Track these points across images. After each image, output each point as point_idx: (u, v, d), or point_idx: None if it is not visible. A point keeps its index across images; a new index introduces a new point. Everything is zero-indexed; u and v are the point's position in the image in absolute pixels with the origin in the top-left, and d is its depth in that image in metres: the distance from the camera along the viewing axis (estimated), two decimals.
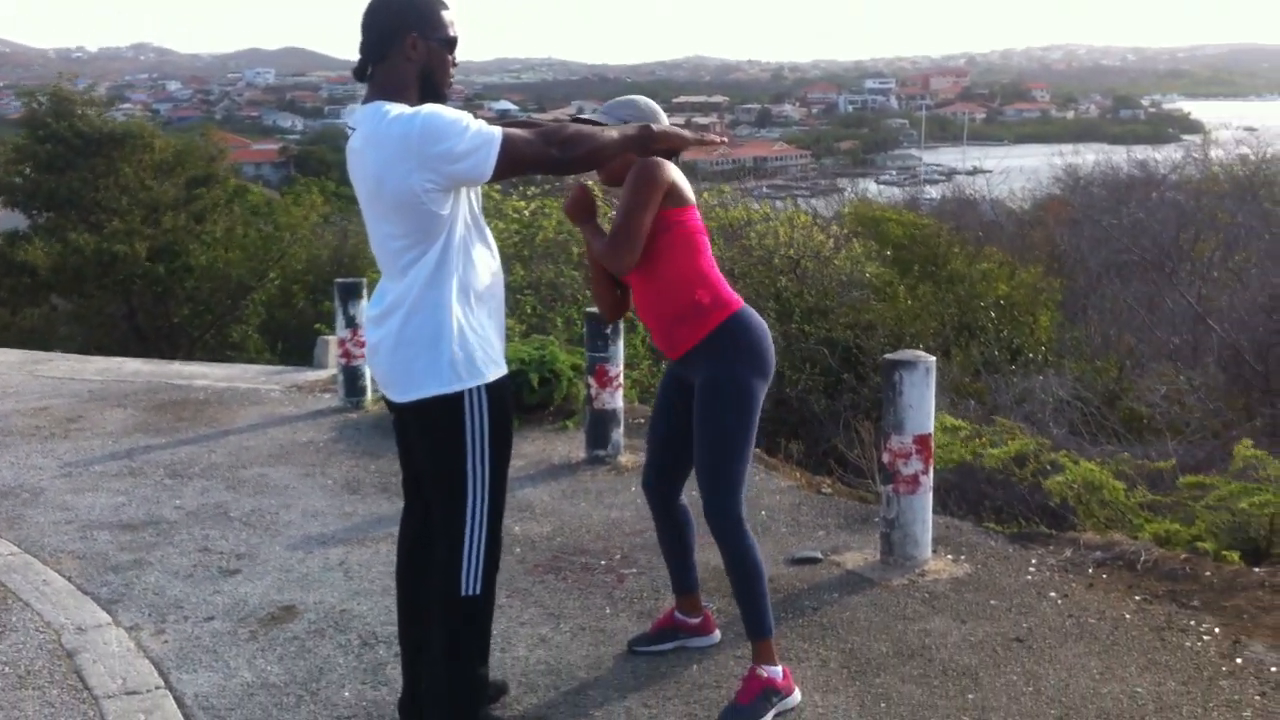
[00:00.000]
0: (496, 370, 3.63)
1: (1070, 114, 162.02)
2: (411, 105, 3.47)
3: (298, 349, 18.53)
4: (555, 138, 3.54)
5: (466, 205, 3.58)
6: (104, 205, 22.03)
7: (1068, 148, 34.15)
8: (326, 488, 6.66)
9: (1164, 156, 30.53)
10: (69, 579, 5.37)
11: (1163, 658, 4.36)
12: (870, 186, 42.04)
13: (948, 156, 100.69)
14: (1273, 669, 4.22)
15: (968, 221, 23.48)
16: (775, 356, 4.17)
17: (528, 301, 11.27)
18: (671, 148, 3.90)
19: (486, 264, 3.66)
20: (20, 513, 6.31)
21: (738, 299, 4.12)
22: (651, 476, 4.38)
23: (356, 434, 7.71)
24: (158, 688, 4.32)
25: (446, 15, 3.57)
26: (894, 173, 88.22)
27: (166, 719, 4.09)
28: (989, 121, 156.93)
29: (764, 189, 54.25)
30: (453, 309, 3.52)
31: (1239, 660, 4.30)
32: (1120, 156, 29.94)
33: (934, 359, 5.22)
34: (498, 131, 3.42)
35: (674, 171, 4.00)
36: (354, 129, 3.55)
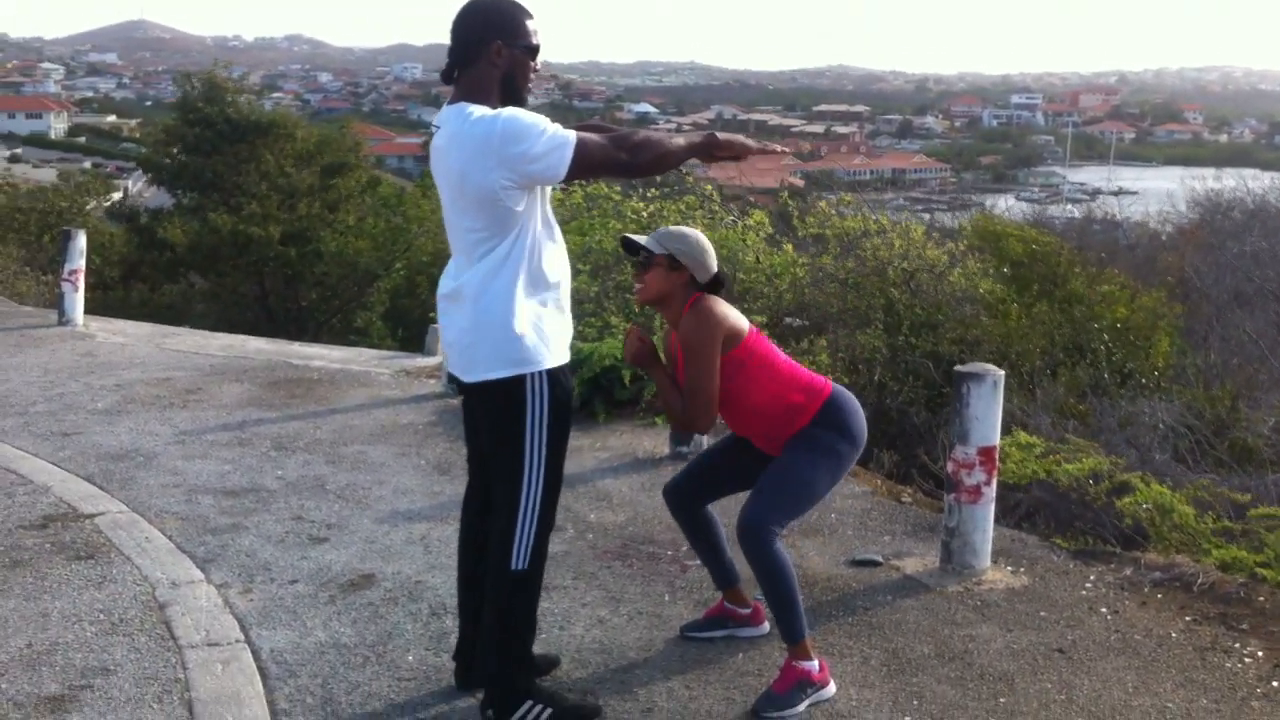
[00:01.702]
0: (558, 358, 3.87)
1: (1223, 137, 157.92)
2: (493, 108, 3.73)
3: (418, 337, 19.03)
4: (625, 143, 3.78)
5: (540, 203, 3.83)
6: (244, 189, 22.87)
7: (1210, 171, 33.43)
8: (419, 467, 6.97)
9: None
10: (170, 538, 5.74)
11: (1200, 676, 4.43)
12: (1009, 202, 41.54)
13: (1093, 175, 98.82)
14: None
15: (1091, 242, 23.16)
16: (867, 430, 4.40)
17: (635, 301, 11.49)
18: (734, 155, 4.09)
19: (555, 259, 3.90)
20: (133, 475, 6.72)
21: (827, 382, 4.36)
22: (683, 488, 4.57)
23: (454, 419, 8.00)
24: (238, 641, 4.63)
25: (530, 24, 3.83)
26: (1035, 190, 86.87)
27: (242, 669, 4.39)
28: (1138, 142, 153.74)
29: (900, 201, 53.93)
30: (520, 298, 3.78)
31: (1275, 683, 4.35)
32: (1259, 183, 29.22)
33: (1002, 373, 5.32)
34: (572, 135, 3.67)
35: (722, 310, 4.20)
36: (439, 128, 3.83)
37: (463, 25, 3.82)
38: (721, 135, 4.07)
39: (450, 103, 3.85)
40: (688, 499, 4.56)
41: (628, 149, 3.80)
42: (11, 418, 7.89)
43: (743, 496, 4.35)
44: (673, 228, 4.29)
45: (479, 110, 3.72)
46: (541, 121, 3.68)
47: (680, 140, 3.95)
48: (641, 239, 4.27)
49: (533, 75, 3.91)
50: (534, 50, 3.87)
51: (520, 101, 3.85)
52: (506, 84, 3.83)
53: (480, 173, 3.66)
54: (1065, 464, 6.47)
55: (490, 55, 3.79)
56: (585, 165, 3.73)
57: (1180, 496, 6.06)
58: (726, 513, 4.63)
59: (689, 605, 5.01)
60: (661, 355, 4.46)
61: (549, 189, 3.92)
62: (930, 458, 9.21)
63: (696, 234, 4.29)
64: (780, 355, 4.35)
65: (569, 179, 3.74)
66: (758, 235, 12.87)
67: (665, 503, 4.64)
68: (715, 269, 4.29)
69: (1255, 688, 4.33)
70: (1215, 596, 5.11)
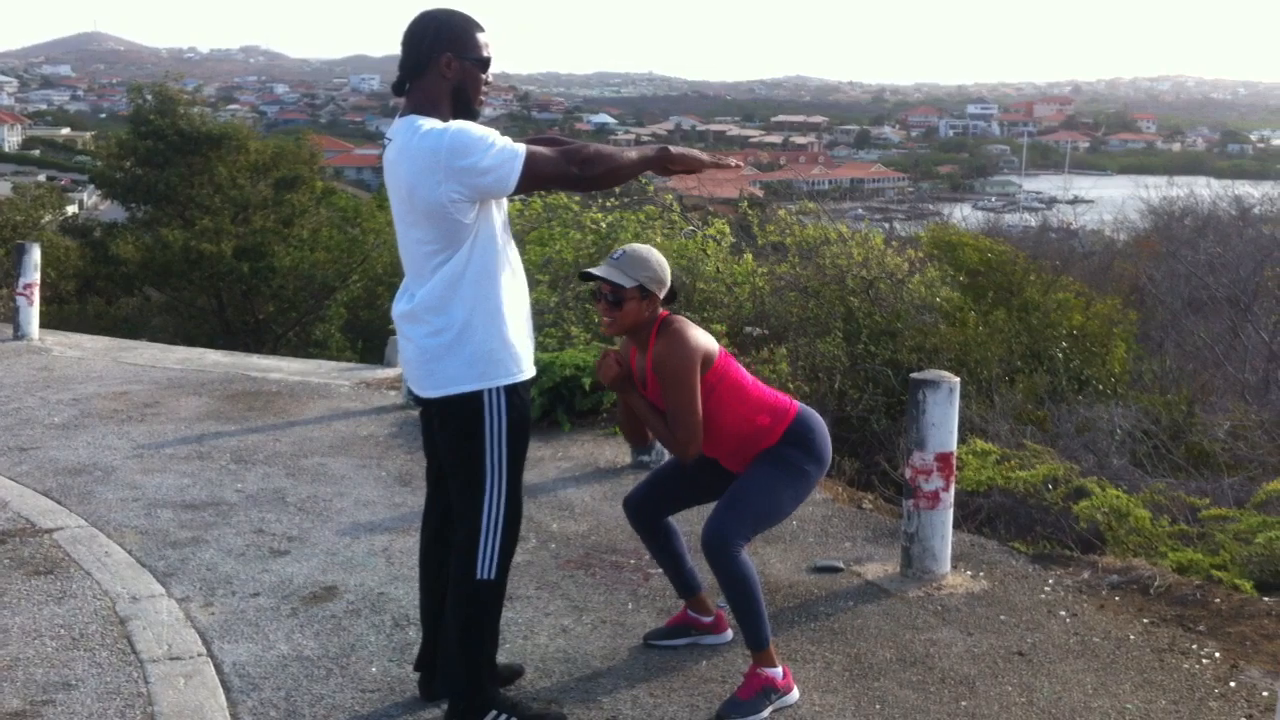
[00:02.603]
0: (516, 371, 3.88)
1: (1176, 146, 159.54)
2: (444, 120, 3.74)
3: (377, 348, 18.98)
4: (576, 157, 3.79)
5: (493, 216, 3.83)
6: (197, 202, 22.70)
7: (1162, 180, 33.76)
8: (380, 479, 6.96)
9: (1261, 193, 30.14)
10: (129, 552, 5.70)
11: (1159, 678, 4.48)
12: (966, 211, 41.81)
13: (1049, 184, 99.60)
14: (1264, 693, 4.33)
15: (1047, 250, 23.37)
16: (832, 448, 4.45)
17: (595, 311, 11.51)
18: (688, 169, 4.11)
19: (510, 271, 3.91)
20: (91, 489, 6.68)
21: (793, 403, 4.39)
22: (643, 501, 4.59)
23: (414, 430, 7.99)
24: (200, 655, 4.61)
25: (481, 37, 3.84)
26: (992, 199, 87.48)
27: (205, 684, 4.37)
28: (1092, 151, 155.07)
29: (859, 210, 54.18)
30: (476, 312, 3.79)
31: (1233, 684, 4.41)
32: (1211, 190, 29.58)
33: (958, 380, 5.38)
34: (521, 149, 3.68)
35: (695, 335, 4.21)
36: (390, 140, 3.83)
37: (413, 37, 3.83)
38: (675, 149, 4.09)
39: (401, 115, 3.86)
40: (648, 511, 4.58)
41: (578, 162, 3.81)
42: None
43: (705, 508, 4.38)
44: (630, 250, 4.22)
45: (429, 123, 3.73)
46: (491, 134, 3.70)
47: (633, 154, 3.97)
48: (605, 271, 4.18)
49: (484, 88, 3.92)
50: (485, 63, 3.88)
51: (471, 114, 3.86)
52: (457, 96, 3.84)
53: (429, 186, 3.67)
54: (1020, 471, 6.53)
55: (440, 67, 3.80)
56: (535, 178, 3.75)
57: (1136, 500, 6.13)
58: (687, 521, 4.65)
59: (652, 614, 5.03)
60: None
61: (504, 201, 3.93)
62: (890, 465, 9.28)
63: (654, 253, 4.27)
64: (747, 376, 4.37)
65: (518, 192, 3.76)
66: (719, 244, 12.91)
67: (625, 514, 4.66)
68: (669, 281, 4.29)
69: (1213, 688, 4.39)
70: (1172, 599, 5.18)
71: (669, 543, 4.61)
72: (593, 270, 4.23)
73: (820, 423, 4.40)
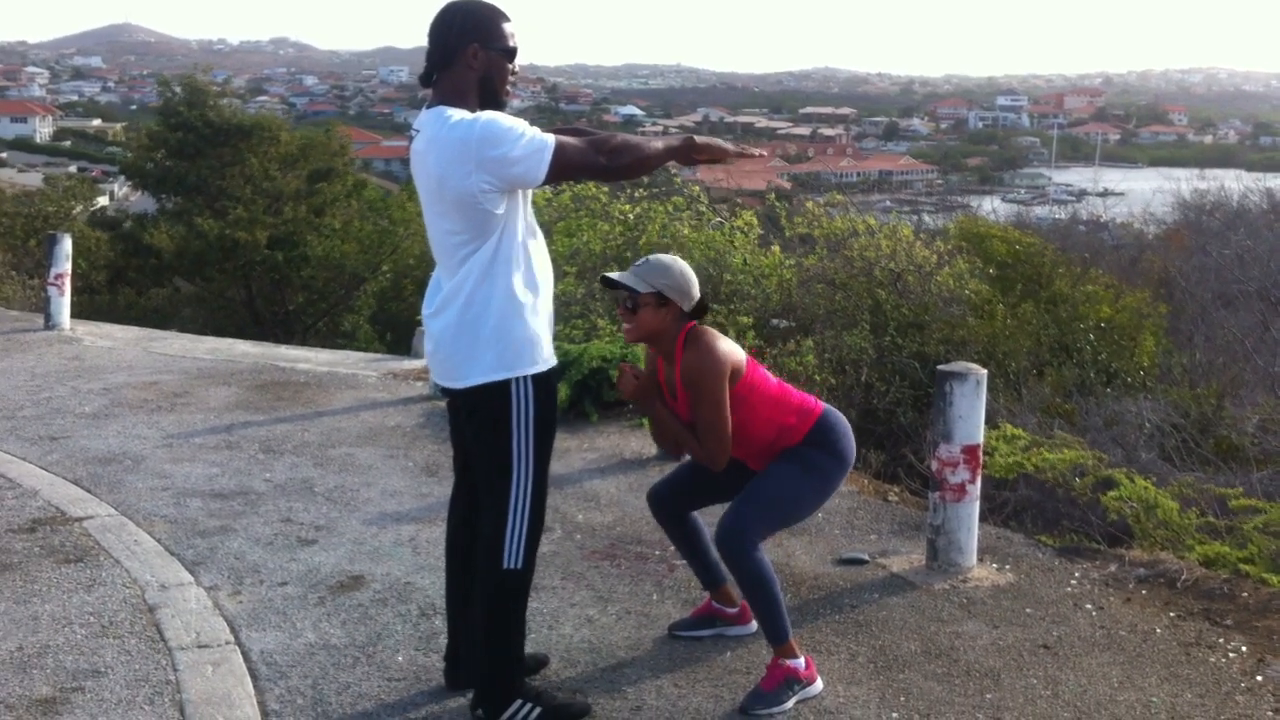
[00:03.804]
0: (542, 362, 3.89)
1: (1208, 139, 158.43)
2: (472, 111, 3.75)
3: (405, 339, 19.05)
4: (604, 147, 3.81)
5: (521, 206, 3.85)
6: (229, 193, 22.85)
7: (1193, 173, 33.53)
8: (407, 469, 6.99)
9: None
10: (158, 540, 5.75)
11: (1185, 671, 4.47)
12: (995, 204, 41.64)
13: (1079, 177, 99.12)
14: None
15: (1076, 242, 23.26)
16: (856, 449, 4.45)
17: (624, 338, 11.50)
18: (713, 159, 4.11)
19: (538, 263, 3.92)
20: (121, 478, 6.73)
21: (818, 403, 4.40)
22: (668, 496, 4.60)
23: (441, 421, 8.02)
24: (228, 643, 4.65)
25: (507, 27, 3.85)
26: (1021, 191, 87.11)
27: (232, 671, 4.41)
28: (1123, 143, 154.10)
29: (887, 202, 54.04)
30: (503, 303, 3.80)
31: (1259, 678, 4.40)
32: (1243, 183, 29.35)
33: (985, 372, 5.37)
34: (550, 139, 3.70)
35: (723, 348, 4.19)
36: (418, 132, 3.84)
37: (440, 28, 3.84)
38: (700, 139, 4.10)
39: (428, 106, 3.88)
40: (671, 506, 4.59)
41: (606, 152, 3.83)
42: None
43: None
44: (653, 259, 4.24)
45: (457, 114, 3.74)
46: (520, 125, 3.71)
47: (659, 144, 3.98)
48: (623, 277, 4.21)
49: (511, 78, 3.93)
50: (511, 53, 3.89)
51: (498, 104, 3.87)
52: (484, 87, 3.85)
53: (459, 176, 3.68)
54: (1047, 453, 6.51)
55: (467, 58, 3.81)
56: (563, 168, 3.76)
57: (1164, 493, 6.11)
58: (707, 514, 4.65)
59: (677, 604, 5.04)
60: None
61: (530, 192, 3.94)
62: (917, 457, 9.26)
63: (679, 264, 4.26)
64: (773, 381, 4.37)
65: (547, 182, 3.77)
66: (746, 236, 12.91)
67: (649, 507, 4.66)
68: (698, 295, 4.29)
69: (1240, 682, 4.38)
70: (1199, 592, 5.16)
71: (693, 536, 4.62)
72: (611, 275, 4.24)
73: (844, 423, 4.41)
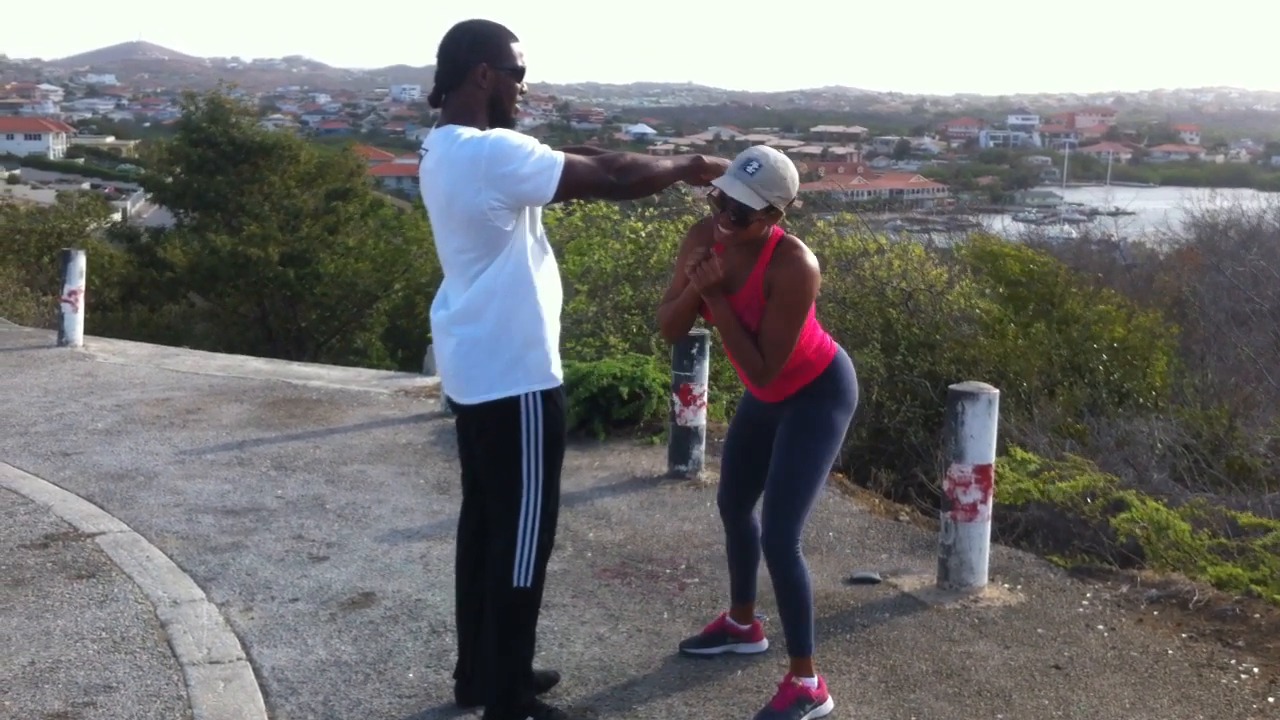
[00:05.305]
0: (552, 378, 3.91)
1: (1220, 158, 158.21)
2: (481, 129, 3.78)
3: (417, 357, 19.08)
4: (613, 165, 3.84)
5: (531, 223, 3.87)
6: (247, 210, 22.94)
7: (1205, 192, 33.43)
8: (418, 486, 7.00)
9: None
10: (170, 557, 5.77)
11: (1196, 693, 4.45)
12: (1006, 223, 41.60)
13: (1090, 196, 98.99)
14: None
15: (1088, 262, 23.22)
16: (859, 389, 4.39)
17: (633, 321, 11.54)
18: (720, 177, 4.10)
19: (547, 279, 3.94)
20: (133, 494, 6.75)
21: (833, 344, 4.36)
22: (727, 499, 4.61)
23: (452, 438, 7.98)
24: (239, 659, 4.66)
25: (516, 47, 3.89)
26: (1032, 210, 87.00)
27: (244, 687, 4.42)
28: (1135, 163, 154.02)
29: (898, 221, 54.01)
30: (513, 319, 3.82)
31: (1271, 699, 4.38)
32: (1256, 203, 29.29)
33: (997, 391, 5.37)
34: (560, 157, 3.72)
35: (815, 267, 4.08)
36: (427, 150, 3.87)
37: (449, 48, 3.87)
38: (708, 158, 4.12)
39: (438, 125, 3.91)
40: (739, 507, 4.58)
41: (615, 171, 3.86)
42: (12, 438, 7.92)
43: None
44: (767, 166, 3.98)
45: (467, 132, 3.77)
46: (529, 143, 3.74)
47: (667, 163, 4.01)
48: (736, 191, 3.96)
49: (519, 97, 3.96)
50: (519, 72, 3.92)
51: (507, 123, 3.90)
52: (493, 106, 3.88)
53: (469, 194, 3.71)
54: (1059, 482, 6.50)
55: (476, 77, 3.84)
56: (573, 186, 3.79)
57: (1176, 514, 6.09)
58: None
59: (688, 622, 5.04)
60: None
61: (540, 210, 3.96)
62: (928, 477, 9.25)
63: (788, 166, 4.05)
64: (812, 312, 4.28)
65: (556, 199, 3.79)
66: None
67: (721, 518, 4.66)
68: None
69: (1251, 704, 4.36)
70: (1211, 613, 5.14)
71: (751, 544, 4.58)
72: (721, 186, 4.00)
73: (850, 366, 4.35)
